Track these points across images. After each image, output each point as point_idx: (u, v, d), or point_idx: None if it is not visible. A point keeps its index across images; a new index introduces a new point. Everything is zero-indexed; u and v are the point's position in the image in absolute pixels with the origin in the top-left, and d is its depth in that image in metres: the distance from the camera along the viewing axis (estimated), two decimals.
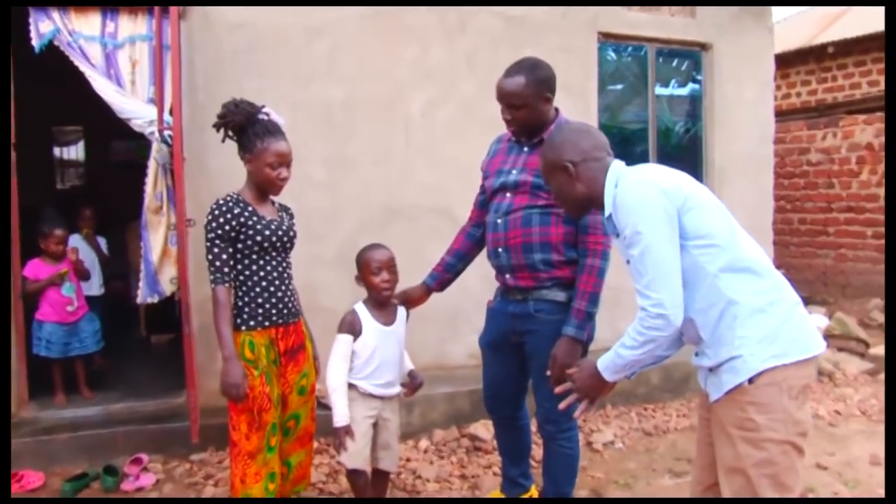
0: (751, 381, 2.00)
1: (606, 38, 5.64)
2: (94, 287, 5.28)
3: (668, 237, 2.02)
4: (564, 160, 2.26)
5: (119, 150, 8.67)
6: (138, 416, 4.23)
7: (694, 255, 2.05)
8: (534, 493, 3.35)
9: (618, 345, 2.16)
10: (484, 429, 4.32)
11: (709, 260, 2.05)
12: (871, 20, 9.25)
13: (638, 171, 2.20)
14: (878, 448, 4.20)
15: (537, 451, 3.63)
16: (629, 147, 5.90)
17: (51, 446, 3.88)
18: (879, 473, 3.89)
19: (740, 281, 2.04)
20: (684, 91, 6.23)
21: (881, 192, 8.23)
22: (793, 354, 2.01)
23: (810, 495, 3.61)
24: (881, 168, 8.28)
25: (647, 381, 5.17)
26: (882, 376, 5.75)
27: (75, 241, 5.22)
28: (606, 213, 2.22)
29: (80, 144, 9.86)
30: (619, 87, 5.98)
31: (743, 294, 2.03)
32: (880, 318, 7.40)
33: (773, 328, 2.01)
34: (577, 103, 5.24)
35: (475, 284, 4.39)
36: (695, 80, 6.19)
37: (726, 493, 2.09)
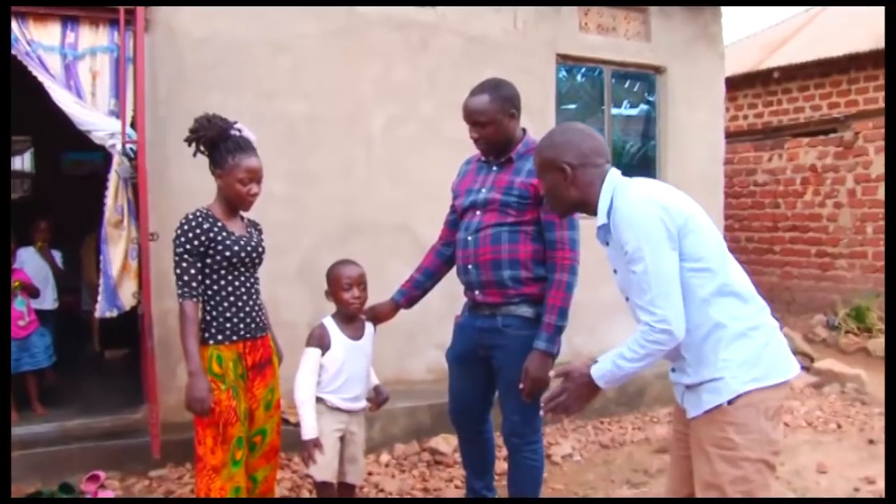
0: (730, 402, 2.05)
1: (564, 60, 5.79)
2: (48, 301, 5.17)
3: (670, 255, 2.06)
4: (562, 161, 2.23)
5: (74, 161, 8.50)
6: (94, 433, 4.14)
7: (686, 277, 2.09)
8: None
9: (615, 355, 2.15)
10: (444, 442, 4.37)
11: (700, 284, 2.09)
12: (814, 47, 9.67)
13: (639, 187, 2.19)
14: (823, 457, 4.39)
15: (499, 465, 3.69)
16: None
17: None
18: (825, 481, 4.07)
19: (727, 305, 2.09)
20: (639, 112, 6.41)
21: (824, 211, 8.57)
22: (771, 377, 2.08)
23: None
24: (824, 189, 8.63)
25: (603, 395, 5.21)
26: (826, 389, 5.98)
27: (28, 254, 5.12)
28: (600, 222, 2.21)
29: (26, 155, 9.69)
30: (576, 106, 6.13)
31: (729, 318, 2.09)
32: (823, 333, 7.71)
33: (755, 352, 2.08)
34: (535, 123, 5.29)
35: (435, 300, 4.41)
36: (648, 102, 6.38)
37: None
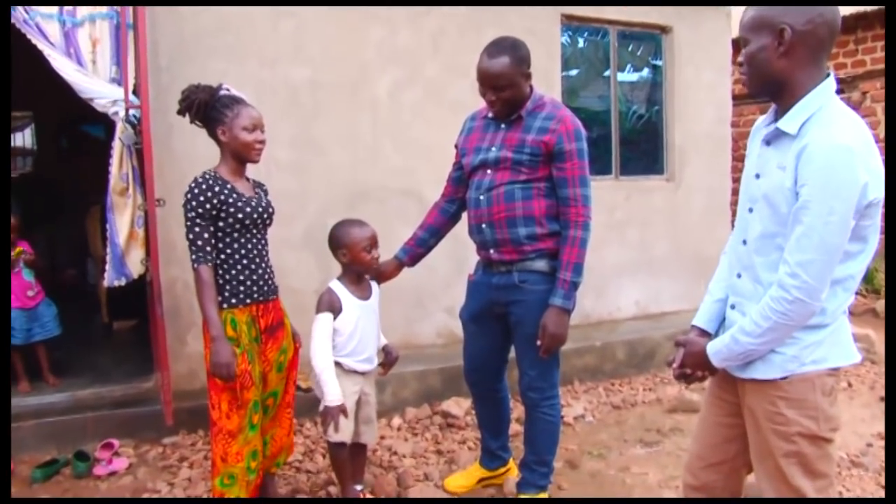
0: (783, 377, 1.89)
1: (570, 21, 5.69)
2: None
3: (848, 226, 1.75)
4: (783, 21, 1.79)
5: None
6: (106, 402, 4.15)
7: None
8: (512, 466, 3.41)
9: (736, 329, 1.92)
10: (456, 405, 4.37)
11: (839, 267, 1.81)
12: None
13: (851, 131, 1.76)
14: None
15: (513, 427, 3.69)
16: (591, 127, 5.97)
17: (17, 434, 3.76)
18: (838, 437, 3.89)
19: (834, 294, 1.84)
20: (645, 73, 6.33)
21: None
22: (830, 361, 1.90)
23: None
24: None
25: (614, 356, 5.29)
26: None
27: None
28: (784, 128, 1.85)
29: (27, 131, 9.68)
30: (582, 68, 6.05)
31: (826, 306, 1.85)
32: None
33: (822, 336, 1.88)
34: (540, 84, 5.12)
35: (441, 264, 4.43)
36: (653, 66, 6.29)
37: (759, 473, 2.01)
